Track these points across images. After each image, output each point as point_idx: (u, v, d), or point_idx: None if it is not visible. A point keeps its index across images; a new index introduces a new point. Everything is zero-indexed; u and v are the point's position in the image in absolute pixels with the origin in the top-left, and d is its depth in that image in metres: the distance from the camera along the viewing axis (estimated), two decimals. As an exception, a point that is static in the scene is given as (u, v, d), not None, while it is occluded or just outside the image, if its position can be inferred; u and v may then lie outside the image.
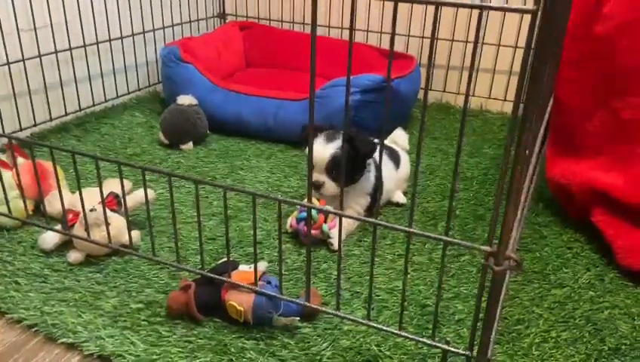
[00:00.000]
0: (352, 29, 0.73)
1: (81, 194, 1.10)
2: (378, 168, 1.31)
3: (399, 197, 1.46)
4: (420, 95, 2.07)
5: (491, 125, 2.03)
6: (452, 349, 0.85)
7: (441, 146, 1.83)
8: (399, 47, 2.21)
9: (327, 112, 1.63)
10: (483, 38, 2.08)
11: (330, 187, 1.25)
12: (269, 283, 1.01)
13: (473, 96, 2.17)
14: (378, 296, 1.10)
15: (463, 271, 1.18)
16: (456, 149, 0.72)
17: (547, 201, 1.47)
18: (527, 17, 0.60)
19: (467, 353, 0.84)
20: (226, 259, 1.08)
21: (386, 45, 2.23)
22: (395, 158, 1.45)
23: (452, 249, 1.24)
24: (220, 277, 1.00)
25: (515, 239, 0.84)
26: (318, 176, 1.25)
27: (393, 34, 0.73)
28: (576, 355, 0.97)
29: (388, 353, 0.96)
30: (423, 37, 2.20)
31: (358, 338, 0.99)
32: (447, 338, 0.86)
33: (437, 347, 0.86)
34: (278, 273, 0.93)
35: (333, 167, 1.24)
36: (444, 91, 2.24)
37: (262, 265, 1.06)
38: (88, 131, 1.84)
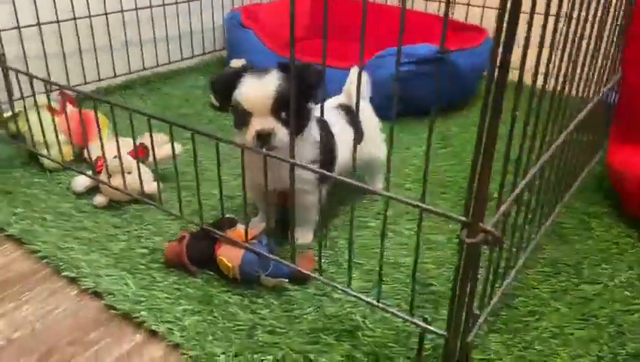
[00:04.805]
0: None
1: (117, 142, 1.14)
2: (329, 131, 1.08)
3: (380, 182, 1.29)
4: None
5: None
6: (429, 327, 0.79)
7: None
8: (473, 19, 2.07)
9: (373, 82, 1.56)
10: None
11: (283, 135, 0.93)
12: (260, 242, 0.99)
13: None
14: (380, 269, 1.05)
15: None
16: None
17: (608, 192, 1.32)
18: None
19: (444, 333, 0.77)
20: (230, 216, 1.08)
21: (459, 17, 2.10)
22: (356, 126, 1.03)
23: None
24: (214, 230, 1.00)
25: (504, 214, 0.75)
26: (264, 123, 0.94)
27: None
28: (585, 356, 0.86)
29: (371, 326, 0.91)
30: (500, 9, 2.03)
31: (345, 307, 0.95)
32: (426, 316, 0.79)
33: (414, 324, 0.80)
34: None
35: (281, 106, 0.93)
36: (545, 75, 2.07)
37: (259, 226, 1.04)
38: (152, 90, 1.92)
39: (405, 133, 1.63)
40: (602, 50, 1.08)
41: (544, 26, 0.71)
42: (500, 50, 0.59)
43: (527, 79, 0.69)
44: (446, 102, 1.74)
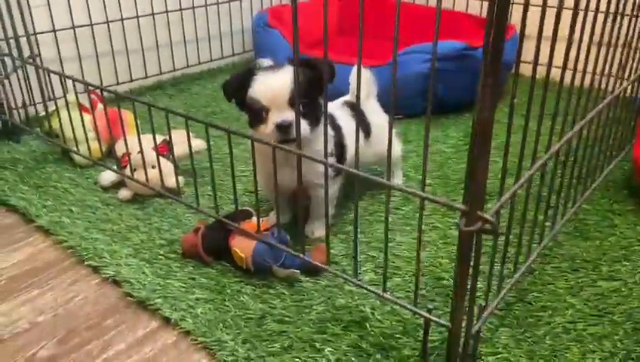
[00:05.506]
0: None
1: (139, 138, 1.18)
2: (336, 126, 1.09)
3: (398, 178, 1.35)
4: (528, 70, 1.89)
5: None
6: (432, 318, 0.79)
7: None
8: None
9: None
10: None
11: (303, 126, 0.91)
12: (273, 234, 1.01)
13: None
14: (393, 262, 1.05)
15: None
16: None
17: (634, 189, 1.28)
18: None
19: (447, 324, 0.77)
20: (246, 209, 1.10)
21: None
22: (361, 119, 1.11)
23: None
24: (228, 222, 1.02)
25: (505, 204, 0.75)
26: (282, 115, 0.95)
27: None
28: (597, 352, 0.84)
29: (379, 317, 0.91)
30: (527, 4, 2.00)
31: (356, 299, 0.96)
32: (430, 306, 0.79)
33: (418, 314, 0.80)
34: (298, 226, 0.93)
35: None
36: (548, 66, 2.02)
37: (272, 218, 1.06)
38: (182, 90, 1.98)
39: (431, 130, 1.61)
40: (625, 42, 1.06)
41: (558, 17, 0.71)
42: (491, 38, 0.59)
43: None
44: (474, 99, 1.72)
